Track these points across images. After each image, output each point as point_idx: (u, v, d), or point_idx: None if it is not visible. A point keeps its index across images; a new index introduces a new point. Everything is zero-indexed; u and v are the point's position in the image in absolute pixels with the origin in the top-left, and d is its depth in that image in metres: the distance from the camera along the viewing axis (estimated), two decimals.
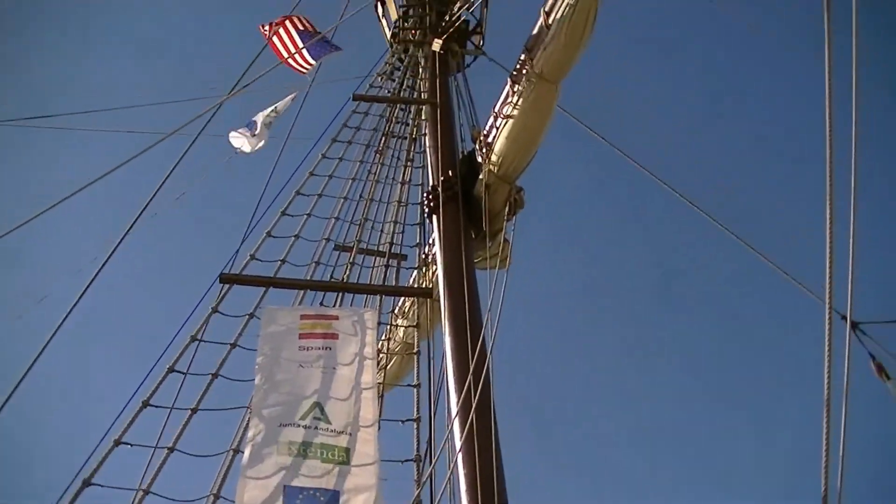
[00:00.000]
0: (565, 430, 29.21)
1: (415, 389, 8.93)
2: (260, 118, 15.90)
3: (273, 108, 15.76)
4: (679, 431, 28.57)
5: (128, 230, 10.45)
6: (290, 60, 16.22)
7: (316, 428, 7.49)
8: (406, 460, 8.01)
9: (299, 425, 7.52)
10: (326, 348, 8.60)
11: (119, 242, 10.34)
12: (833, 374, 5.69)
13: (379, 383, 8.95)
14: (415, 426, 8.39)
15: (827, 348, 5.74)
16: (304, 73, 16.32)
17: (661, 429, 28.48)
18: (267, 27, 17.10)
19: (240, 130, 15.97)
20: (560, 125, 12.71)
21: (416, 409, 8.65)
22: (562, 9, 10.45)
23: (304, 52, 16.31)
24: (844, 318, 6.24)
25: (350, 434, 7.54)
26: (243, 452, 7.34)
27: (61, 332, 8.76)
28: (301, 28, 16.54)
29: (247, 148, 15.82)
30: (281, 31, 16.57)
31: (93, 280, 9.87)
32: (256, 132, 15.79)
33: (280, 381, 8.06)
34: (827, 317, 5.73)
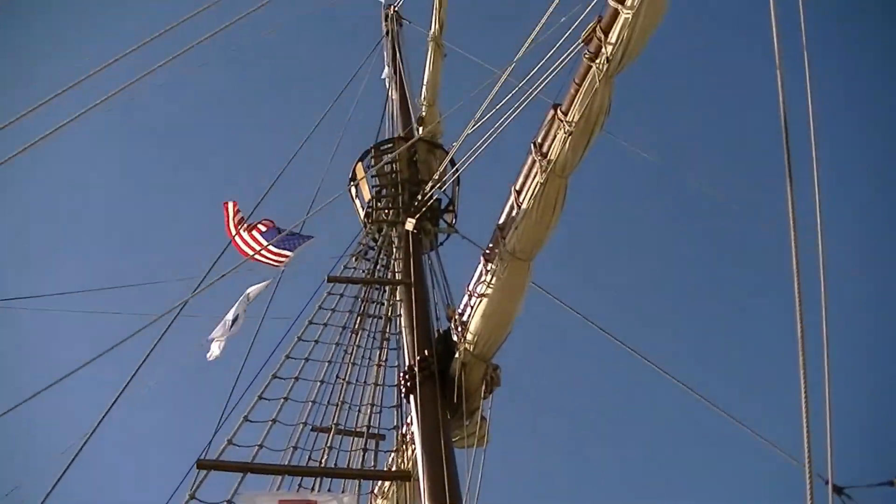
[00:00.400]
0: None
1: None
2: (230, 314, 15.87)
3: (245, 294, 15.81)
4: None
5: (99, 420, 10.46)
6: (259, 256, 16.39)
7: None
8: None
9: None
10: None
11: (92, 431, 10.35)
12: None
13: None
14: None
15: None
16: (277, 265, 16.44)
17: None
18: (231, 207, 17.36)
19: (212, 336, 15.87)
20: (535, 297, 12.89)
21: None
22: (532, 188, 10.68)
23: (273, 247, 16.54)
24: (827, 482, 6.18)
25: None
26: None
27: None
28: (264, 230, 16.86)
29: (217, 353, 15.78)
30: (244, 234, 16.85)
31: (65, 470, 9.84)
32: (228, 331, 15.75)
33: None
34: (808, 482, 5.68)
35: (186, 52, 12.09)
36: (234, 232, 16.98)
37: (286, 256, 16.38)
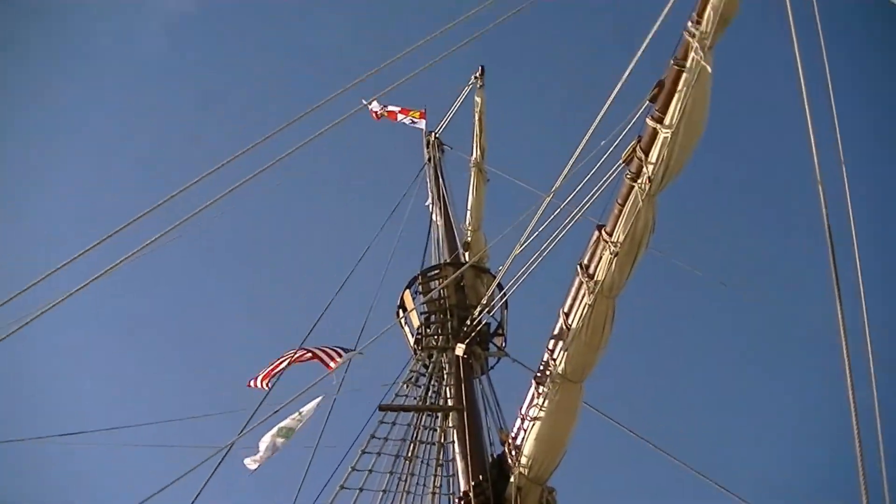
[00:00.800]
0: None
1: None
2: (271, 437, 15.90)
3: (298, 412, 15.81)
4: None
5: None
6: (314, 354, 16.59)
7: None
8: None
9: None
10: None
11: None
12: None
13: None
14: None
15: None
16: (330, 368, 16.49)
17: None
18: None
19: (260, 450, 15.92)
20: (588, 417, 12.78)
21: None
22: (580, 309, 10.70)
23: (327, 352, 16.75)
24: None
25: None
26: None
27: None
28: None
29: (255, 465, 15.76)
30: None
31: None
32: (274, 447, 15.76)
33: None
34: None
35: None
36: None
37: (338, 361, 16.48)
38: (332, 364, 16.51)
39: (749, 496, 12.75)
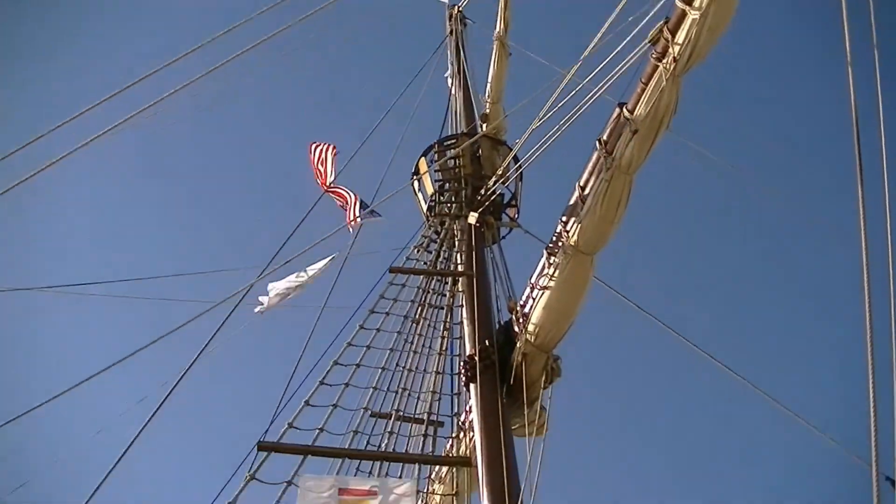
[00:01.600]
0: None
1: None
2: (282, 285, 16.14)
3: (312, 266, 16.05)
4: None
5: (161, 402, 10.74)
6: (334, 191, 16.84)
7: None
8: None
9: None
10: None
11: (152, 415, 10.62)
12: None
13: None
14: None
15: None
16: (350, 220, 16.71)
17: None
18: (315, 151, 17.94)
19: (269, 295, 16.19)
20: (597, 291, 12.98)
21: None
22: (597, 184, 10.78)
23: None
24: (893, 481, 6.11)
25: None
26: None
27: None
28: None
29: (264, 307, 16.02)
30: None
31: (127, 448, 10.14)
32: (282, 296, 16.02)
33: None
34: (874, 481, 5.49)
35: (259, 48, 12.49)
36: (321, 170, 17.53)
37: (356, 221, 16.68)
38: (351, 218, 16.68)
39: (757, 379, 13.02)
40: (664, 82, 9.90)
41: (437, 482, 12.38)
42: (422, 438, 12.00)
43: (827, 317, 32.51)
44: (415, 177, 18.11)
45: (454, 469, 11.61)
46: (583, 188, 11.02)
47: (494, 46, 21.63)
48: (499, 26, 21.77)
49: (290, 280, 16.07)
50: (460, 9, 25.60)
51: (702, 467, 31.74)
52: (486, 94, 21.15)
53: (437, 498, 12.16)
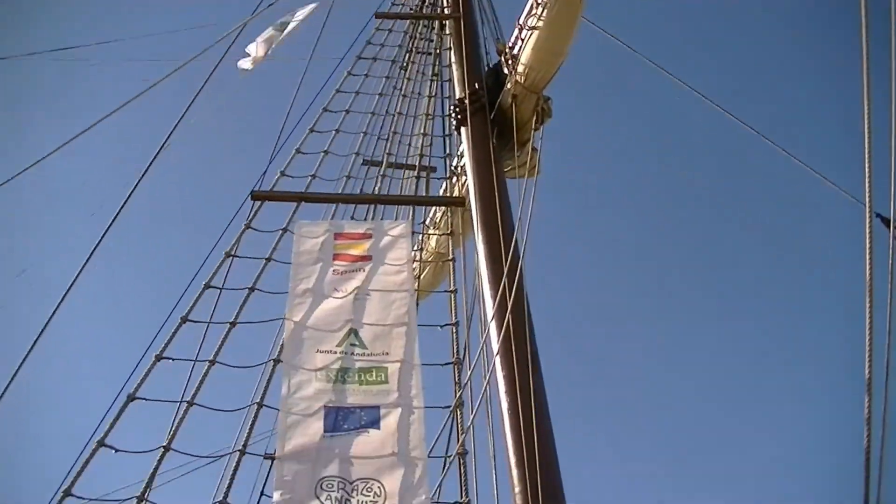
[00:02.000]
0: (599, 349, 29.38)
1: (451, 296, 9.13)
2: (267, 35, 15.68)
3: (292, 13, 15.58)
4: (708, 350, 28.66)
5: (152, 159, 10.62)
6: None
7: (352, 354, 7.66)
8: (446, 363, 8.22)
9: (335, 352, 7.69)
10: (360, 270, 8.77)
11: (145, 171, 10.52)
12: (875, 287, 5.16)
13: (415, 290, 9.08)
14: (453, 330, 8.58)
15: (868, 255, 5.20)
16: None
17: (689, 346, 28.61)
18: None
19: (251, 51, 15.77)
20: (587, 32, 12.71)
21: (452, 315, 8.83)
22: None
23: None
24: (886, 220, 5.95)
25: (387, 353, 7.71)
26: (283, 362, 7.58)
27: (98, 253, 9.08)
28: None
29: (249, 66, 15.62)
30: None
31: (127, 199, 10.11)
32: (268, 43, 15.58)
33: (315, 309, 8.23)
34: (867, 220, 5.28)
35: None
36: None
37: None
38: None
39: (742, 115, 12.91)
40: None
41: (431, 227, 12.51)
42: (414, 182, 12.04)
43: None
44: None
45: (449, 213, 11.68)
46: None
47: None
48: None
49: (275, 27, 15.63)
50: None
51: (693, 212, 31.73)
52: None
53: (433, 241, 12.32)
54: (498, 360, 8.15)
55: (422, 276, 11.65)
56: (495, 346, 8.19)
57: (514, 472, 7.44)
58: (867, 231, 5.29)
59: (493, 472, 8.11)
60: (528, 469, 7.21)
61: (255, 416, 7.61)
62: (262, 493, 7.02)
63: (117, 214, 9.82)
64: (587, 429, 24.65)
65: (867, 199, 5.34)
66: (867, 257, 5.21)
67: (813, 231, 27.32)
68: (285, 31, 15.32)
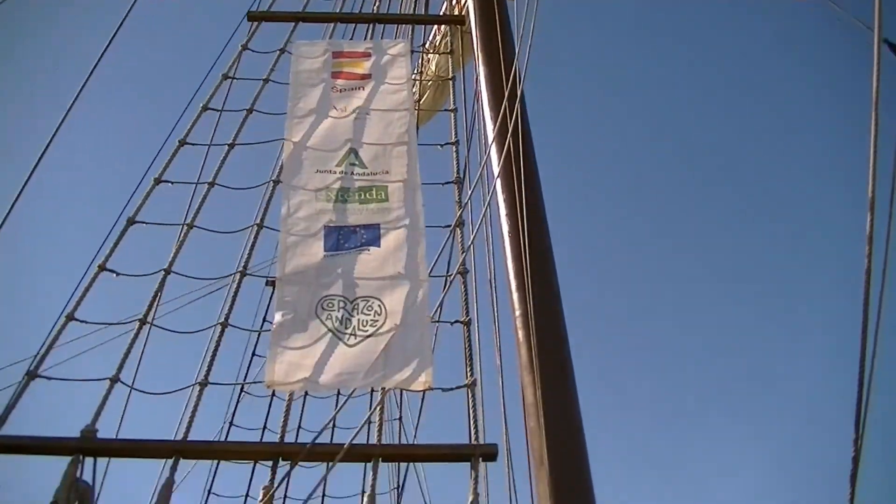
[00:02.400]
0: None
1: (451, 115, 9.00)
2: None
3: None
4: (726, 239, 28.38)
5: None
6: None
7: (352, 174, 7.56)
8: (447, 182, 8.14)
9: (335, 172, 7.59)
10: (360, 88, 8.62)
11: None
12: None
13: (415, 110, 8.94)
14: (454, 149, 8.47)
15: (875, 83, 4.67)
16: None
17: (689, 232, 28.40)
18: None
19: None
20: None
21: (453, 134, 8.70)
22: None
23: None
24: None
25: (387, 172, 7.63)
26: (282, 183, 7.50)
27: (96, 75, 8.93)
28: None
29: None
30: None
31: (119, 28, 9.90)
32: None
33: (315, 129, 8.10)
34: (875, 46, 4.81)
35: None
36: None
37: None
38: None
39: None
40: None
41: (430, 51, 12.25)
42: (414, 1, 11.76)
43: None
44: None
45: (449, 33, 11.41)
46: None
47: None
48: None
49: None
50: None
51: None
52: None
53: (433, 65, 12.10)
54: (498, 182, 8.08)
55: (422, 101, 11.48)
56: (496, 168, 8.12)
57: (515, 294, 7.47)
58: (875, 59, 4.79)
59: (494, 292, 8.13)
60: (530, 290, 7.20)
61: (255, 238, 7.54)
62: (264, 319, 7.01)
63: (115, 34, 9.69)
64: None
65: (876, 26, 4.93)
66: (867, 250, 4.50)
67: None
68: None
